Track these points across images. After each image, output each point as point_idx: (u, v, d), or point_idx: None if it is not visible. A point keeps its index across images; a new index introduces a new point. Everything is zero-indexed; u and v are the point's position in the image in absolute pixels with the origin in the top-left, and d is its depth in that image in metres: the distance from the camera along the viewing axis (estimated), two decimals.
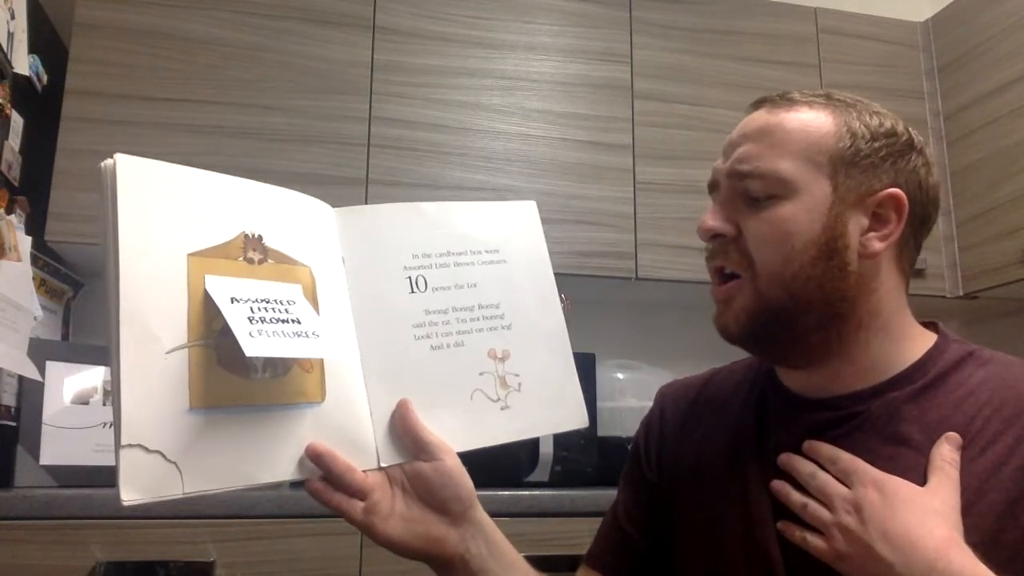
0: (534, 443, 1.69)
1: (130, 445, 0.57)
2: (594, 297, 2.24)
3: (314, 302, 0.70)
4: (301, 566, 1.41)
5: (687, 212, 2.07)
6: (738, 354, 0.85)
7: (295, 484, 0.69)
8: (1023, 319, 2.37)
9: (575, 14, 2.17)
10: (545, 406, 0.80)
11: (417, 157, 1.98)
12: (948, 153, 2.25)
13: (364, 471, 0.70)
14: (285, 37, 1.96)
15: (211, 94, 1.89)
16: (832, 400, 0.76)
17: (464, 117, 2.03)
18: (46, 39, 1.83)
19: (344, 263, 0.75)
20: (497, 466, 1.54)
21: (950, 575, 0.60)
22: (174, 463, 0.59)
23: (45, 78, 1.76)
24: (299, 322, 0.66)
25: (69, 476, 1.52)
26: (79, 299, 1.97)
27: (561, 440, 1.71)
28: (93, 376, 1.63)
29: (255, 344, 0.60)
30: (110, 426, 1.52)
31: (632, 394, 2.02)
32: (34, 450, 1.52)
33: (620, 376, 2.06)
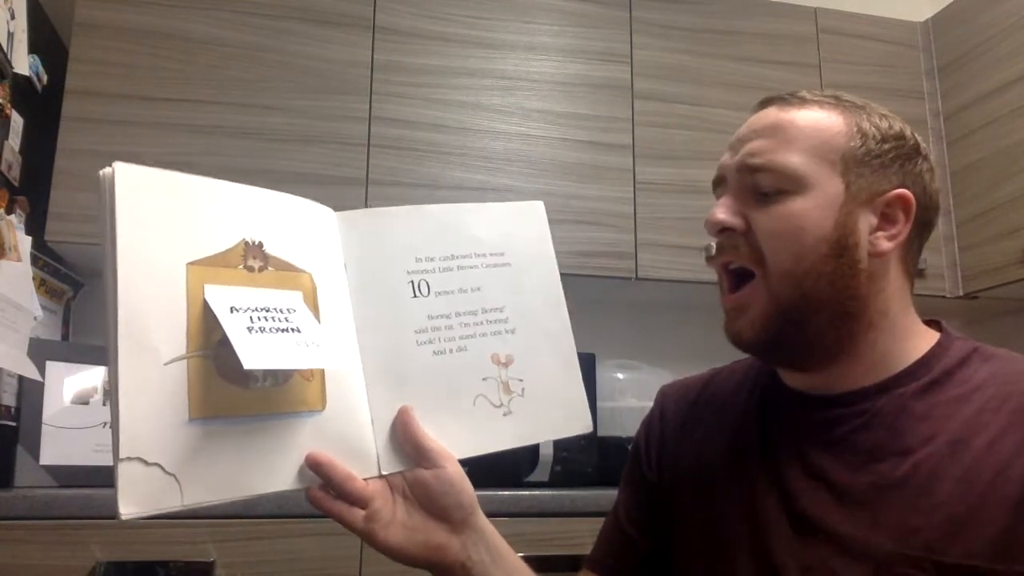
0: (534, 444, 1.68)
1: (128, 458, 0.57)
2: (594, 297, 2.24)
3: (315, 309, 0.70)
4: (301, 566, 1.41)
5: (687, 212, 2.07)
6: (739, 354, 0.85)
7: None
8: (1023, 319, 2.38)
9: (575, 14, 2.17)
10: (549, 411, 0.79)
11: (417, 157, 1.98)
12: (948, 153, 2.25)
13: (365, 479, 0.70)
14: (285, 37, 1.96)
15: (211, 94, 1.88)
16: (837, 397, 0.76)
17: (464, 117, 2.03)
18: (46, 39, 1.83)
19: (346, 268, 0.75)
20: (497, 466, 1.54)
21: None
22: (173, 475, 0.59)
23: (45, 78, 1.76)
24: (299, 331, 0.65)
25: (69, 476, 1.52)
26: (79, 299, 1.97)
27: (561, 440, 1.70)
28: (93, 376, 1.63)
29: (254, 356, 0.60)
30: (110, 426, 1.52)
31: (632, 394, 2.02)
32: (34, 450, 1.52)
33: (620, 376, 2.06)
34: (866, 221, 0.74)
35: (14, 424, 1.53)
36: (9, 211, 1.52)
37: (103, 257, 0.61)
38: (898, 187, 0.74)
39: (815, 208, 0.73)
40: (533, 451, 1.71)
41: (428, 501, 0.72)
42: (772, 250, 0.73)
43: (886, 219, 0.75)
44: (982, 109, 2.15)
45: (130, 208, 0.61)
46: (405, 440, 0.72)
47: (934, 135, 2.28)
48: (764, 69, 2.23)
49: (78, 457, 1.55)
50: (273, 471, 0.65)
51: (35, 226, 1.69)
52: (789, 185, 0.73)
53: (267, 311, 0.64)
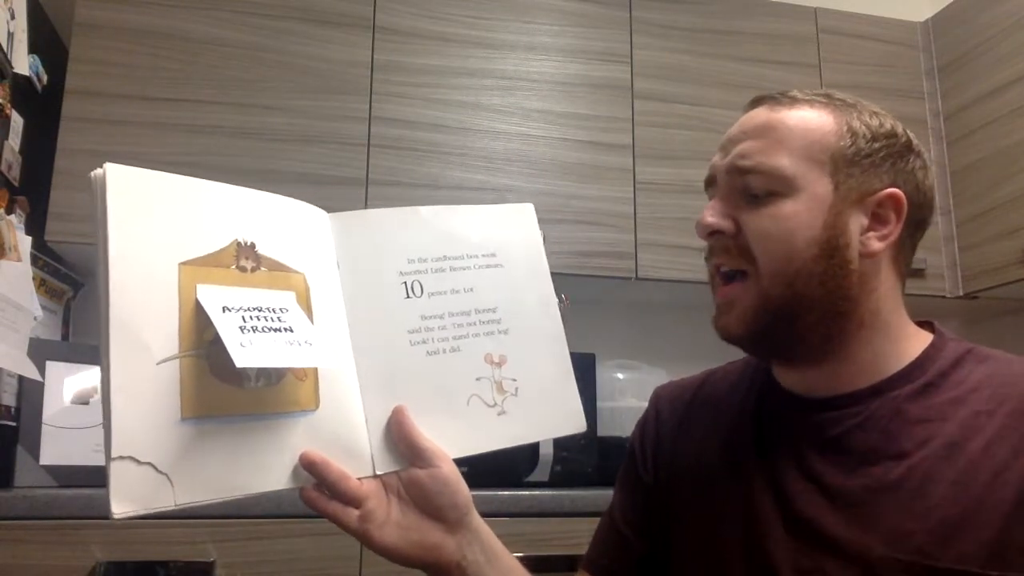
0: (534, 443, 1.68)
1: (121, 457, 0.57)
2: (594, 297, 2.24)
3: (308, 309, 0.70)
4: (301, 566, 1.41)
5: (687, 212, 2.06)
6: (737, 355, 0.85)
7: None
8: (1023, 319, 2.37)
9: (575, 14, 2.17)
10: (543, 411, 0.79)
11: (417, 157, 1.98)
12: (948, 153, 2.25)
13: (359, 479, 0.70)
14: (285, 37, 1.96)
15: (211, 94, 1.88)
16: (832, 399, 0.76)
17: (464, 117, 2.03)
18: (46, 39, 1.83)
19: (339, 269, 0.75)
20: (497, 466, 1.54)
21: None
22: (165, 474, 0.59)
23: (45, 78, 1.77)
24: (292, 330, 0.65)
25: (69, 476, 1.52)
26: (79, 299, 1.97)
27: (561, 440, 1.71)
28: (93, 376, 1.63)
29: (246, 355, 0.60)
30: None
31: (632, 394, 2.02)
32: (34, 450, 1.52)
33: (620, 376, 2.06)
34: (857, 221, 0.74)
35: (14, 424, 1.53)
36: (9, 211, 1.52)
37: (97, 257, 0.61)
38: (889, 186, 0.74)
39: (805, 210, 0.73)
40: (533, 451, 1.70)
41: (423, 501, 0.72)
42: (762, 252, 0.73)
43: (877, 219, 0.74)
44: (982, 109, 2.15)
45: (122, 209, 0.61)
46: (400, 440, 0.72)
47: (934, 135, 2.28)
48: (764, 69, 2.23)
49: (78, 457, 1.55)
50: (266, 471, 0.65)
51: (35, 226, 1.70)
52: (779, 187, 0.73)
53: (259, 311, 0.65)
